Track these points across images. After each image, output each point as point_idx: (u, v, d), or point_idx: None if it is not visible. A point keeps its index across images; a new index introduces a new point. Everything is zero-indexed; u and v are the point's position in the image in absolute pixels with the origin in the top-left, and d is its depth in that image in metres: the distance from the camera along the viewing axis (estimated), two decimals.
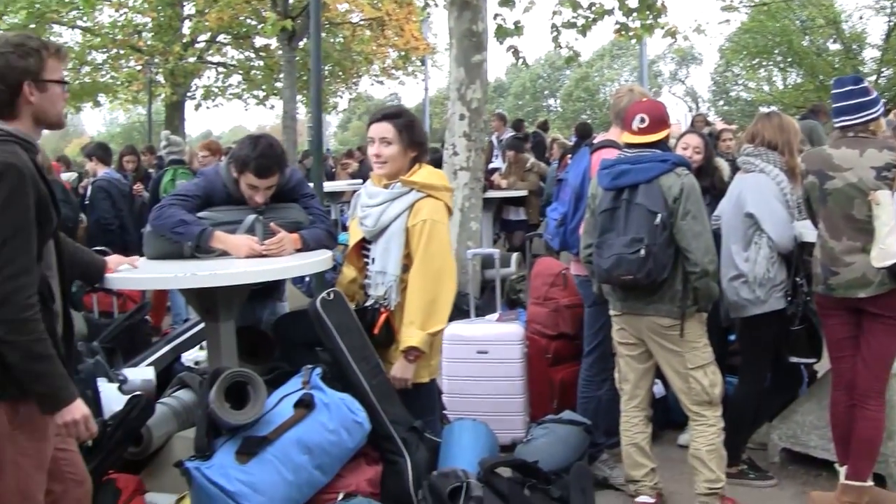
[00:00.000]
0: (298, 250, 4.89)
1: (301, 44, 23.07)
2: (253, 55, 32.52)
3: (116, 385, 5.30)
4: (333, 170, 18.42)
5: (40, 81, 3.36)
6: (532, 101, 72.03)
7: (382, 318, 4.67)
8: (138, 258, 4.88)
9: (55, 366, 3.27)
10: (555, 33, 12.30)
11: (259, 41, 31.36)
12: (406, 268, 4.67)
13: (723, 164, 6.85)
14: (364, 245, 4.89)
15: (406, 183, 4.71)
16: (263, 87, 32.54)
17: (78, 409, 3.32)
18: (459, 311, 6.69)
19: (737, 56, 44.97)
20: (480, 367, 6.29)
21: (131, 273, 4.58)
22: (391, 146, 4.70)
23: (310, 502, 4.34)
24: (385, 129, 4.71)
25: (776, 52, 41.57)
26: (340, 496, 4.35)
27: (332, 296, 4.63)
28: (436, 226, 4.66)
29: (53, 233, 3.50)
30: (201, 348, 6.25)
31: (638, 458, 5.32)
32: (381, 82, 35.92)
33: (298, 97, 25.61)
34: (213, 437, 4.25)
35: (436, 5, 15.91)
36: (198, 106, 33.58)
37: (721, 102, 54.70)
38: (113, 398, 5.08)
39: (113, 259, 4.58)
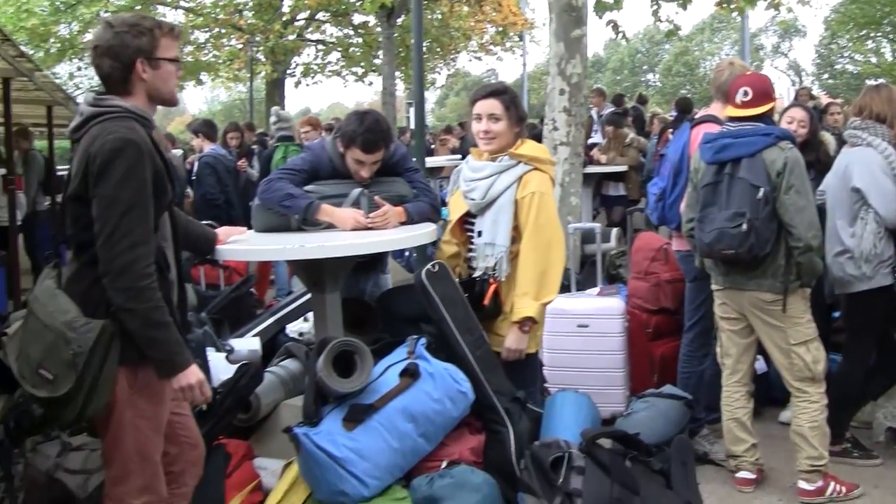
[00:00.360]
0: (403, 223, 4.95)
1: (399, 20, 23.16)
2: (352, 32, 32.70)
3: (224, 355, 5.44)
4: (432, 146, 18.53)
5: (153, 59, 3.47)
6: (630, 76, 71.26)
7: (492, 288, 4.72)
8: (243, 229, 5.01)
9: (171, 332, 3.39)
10: (655, 7, 12.18)
11: (357, 18, 31.54)
12: (514, 240, 4.70)
13: (828, 139, 6.76)
14: (467, 219, 4.94)
15: (514, 156, 4.75)
16: (362, 63, 32.76)
17: (193, 374, 3.44)
18: (560, 286, 6.72)
19: (843, 27, 43.98)
20: (581, 340, 6.32)
21: (241, 245, 4.70)
22: (499, 122, 4.74)
23: (413, 469, 4.42)
24: (493, 105, 4.76)
25: (885, 22, 40.49)
26: (444, 464, 4.41)
27: (437, 268, 4.69)
28: (544, 197, 4.70)
29: (168, 205, 3.63)
30: (305, 320, 6.37)
31: (739, 433, 5.31)
32: (479, 58, 35.94)
33: (397, 74, 25.72)
34: (321, 405, 4.34)
35: None
36: (297, 83, 34.01)
37: (825, 76, 53.51)
38: (221, 367, 5.22)
39: (223, 231, 4.71)
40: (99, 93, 3.54)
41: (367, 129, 4.93)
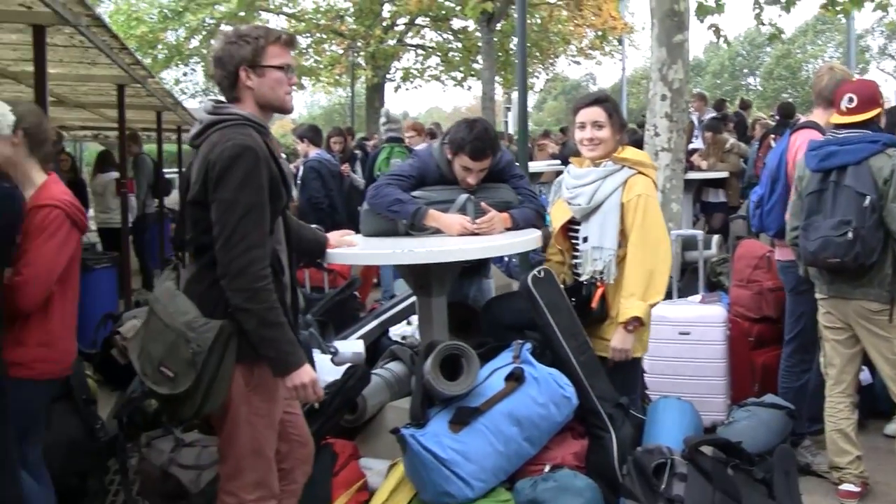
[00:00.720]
0: (508, 229, 5.02)
1: (499, 25, 23.26)
2: (451, 37, 32.91)
3: (329, 356, 5.55)
4: (530, 151, 18.54)
5: (258, 67, 3.59)
6: (731, 80, 70.33)
7: (599, 292, 4.77)
8: (352, 232, 5.12)
9: (286, 333, 3.51)
10: (757, 10, 12.05)
11: (457, 23, 31.74)
12: (620, 243, 4.74)
13: None
14: (570, 226, 4.98)
15: (617, 160, 4.79)
16: (461, 68, 32.94)
17: (306, 373, 3.55)
18: None
19: None
20: (682, 348, 6.32)
21: (351, 249, 4.81)
22: (603, 129, 4.79)
23: (517, 472, 4.48)
24: (597, 112, 4.81)
25: None
26: (547, 468, 4.47)
27: (542, 273, 4.75)
28: (650, 200, 4.74)
29: (283, 210, 3.75)
30: (408, 323, 6.47)
31: (843, 444, 5.25)
32: (578, 62, 35.90)
33: (496, 78, 25.82)
34: (428, 407, 4.43)
35: None
36: (397, 88, 34.32)
37: None
38: (326, 369, 5.33)
39: (333, 235, 4.82)
40: (218, 101, 3.68)
41: (476, 136, 5.02)
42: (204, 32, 30.77)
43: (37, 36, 5.83)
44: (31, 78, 8.57)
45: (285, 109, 3.77)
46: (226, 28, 28.82)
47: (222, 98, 3.71)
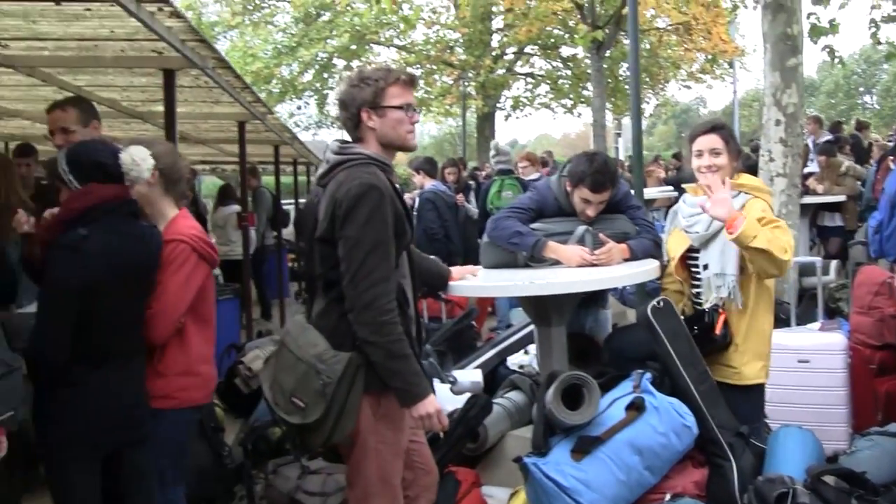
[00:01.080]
0: (626, 260, 5.09)
1: (608, 52, 23.27)
2: (560, 65, 32.95)
3: (448, 386, 5.64)
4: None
5: (379, 108, 3.72)
6: (846, 99, 68.79)
7: (722, 318, 4.76)
8: (477, 267, 5.22)
9: (412, 364, 3.63)
10: (873, 29, 11.86)
11: (566, 51, 31.79)
12: (742, 268, 4.72)
13: None
14: (689, 255, 5.00)
15: (735, 186, 4.79)
16: (571, 95, 32.93)
17: (432, 403, 3.65)
18: (779, 320, 6.65)
19: None
20: (801, 376, 6.24)
21: (473, 281, 4.91)
22: (720, 156, 4.80)
23: (638, 501, 4.50)
24: (714, 140, 4.82)
25: None
26: (668, 497, 4.48)
27: (661, 304, 4.78)
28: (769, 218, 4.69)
29: (407, 245, 3.86)
30: (526, 352, 6.53)
31: None
32: (688, 87, 35.59)
33: (606, 105, 25.80)
34: (549, 436, 4.49)
35: (744, 6, 15.62)
36: (507, 116, 34.42)
37: None
38: (445, 398, 5.42)
39: (456, 268, 4.93)
40: (343, 141, 3.83)
41: (596, 170, 5.10)
42: (317, 66, 31.37)
43: (167, 79, 6.06)
44: (158, 117, 8.98)
45: (407, 147, 3.91)
46: (339, 61, 29.37)
47: (346, 136, 3.85)
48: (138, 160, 3.85)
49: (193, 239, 4.08)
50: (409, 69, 28.64)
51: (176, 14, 5.02)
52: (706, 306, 4.83)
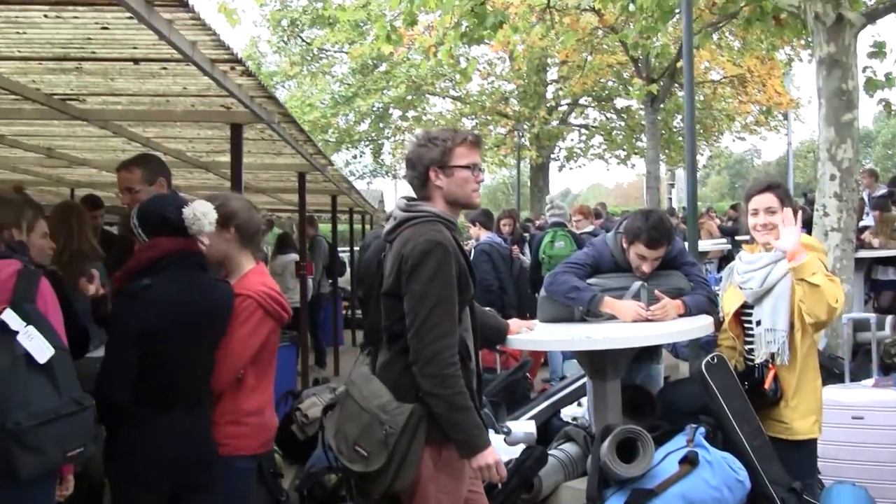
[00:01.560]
0: (681, 315, 5.17)
1: (662, 104, 23.36)
2: (614, 116, 33.06)
3: (502, 437, 5.72)
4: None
5: (446, 167, 3.85)
6: None
7: (772, 373, 4.82)
8: (534, 322, 5.33)
9: (473, 417, 3.73)
10: None
11: (620, 102, 31.89)
12: (792, 326, 4.78)
13: None
14: (743, 311, 5.06)
15: None
16: (624, 146, 32.98)
17: (491, 454, 3.73)
18: (833, 376, 6.66)
19: None
20: (855, 432, 6.21)
21: (532, 335, 5.02)
22: (775, 214, 4.86)
23: None
24: (770, 199, 4.89)
25: None
26: None
27: (715, 360, 4.85)
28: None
29: (470, 299, 3.98)
30: (579, 404, 6.60)
31: None
32: (743, 138, 35.49)
33: (660, 156, 25.85)
34: (603, 488, 4.57)
35: (799, 60, 15.64)
36: (561, 167, 34.49)
37: None
38: (499, 448, 5.49)
39: (514, 322, 5.05)
40: (409, 198, 3.96)
41: (652, 226, 5.21)
42: (373, 116, 31.72)
43: (234, 133, 6.26)
44: (220, 167, 9.21)
45: (472, 205, 4.04)
46: (395, 111, 29.69)
47: (412, 193, 3.98)
48: (199, 214, 3.97)
49: (261, 295, 4.18)
50: (464, 120, 29.03)
51: (247, 73, 5.22)
52: (757, 361, 4.90)
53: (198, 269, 4.03)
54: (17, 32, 4.60)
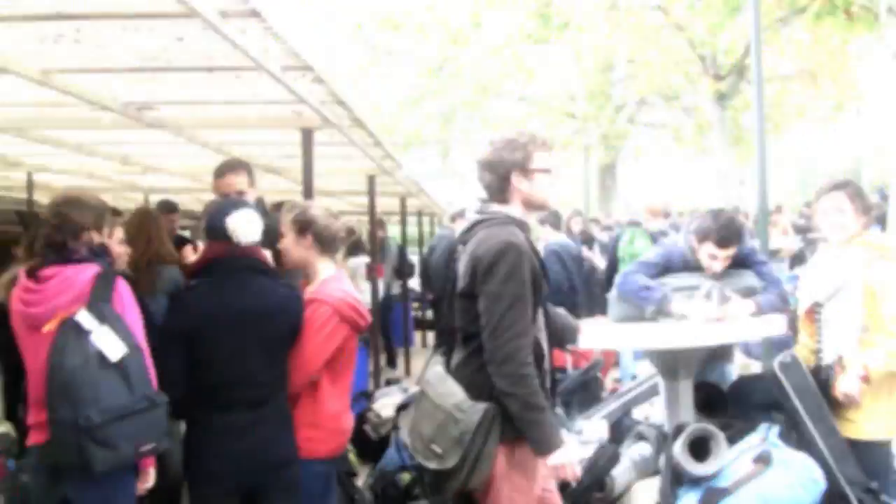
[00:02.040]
0: (752, 314, 5.16)
1: (730, 101, 23.11)
2: (682, 114, 32.74)
3: (574, 436, 5.74)
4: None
5: (527, 171, 3.89)
6: None
7: (840, 374, 4.78)
8: (605, 321, 5.36)
9: (547, 416, 3.76)
10: None
11: (687, 100, 31.57)
12: (863, 326, 4.75)
13: None
14: (815, 310, 5.03)
15: (861, 244, 4.85)
16: (693, 145, 32.64)
17: (565, 453, 3.77)
18: None
19: None
20: None
21: (604, 334, 5.05)
22: (845, 214, 4.85)
23: None
24: (839, 198, 4.88)
25: None
26: None
27: (789, 358, 4.84)
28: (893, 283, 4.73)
29: (543, 300, 4.01)
30: (651, 404, 6.60)
31: None
32: (814, 134, 34.93)
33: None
34: (676, 487, 4.58)
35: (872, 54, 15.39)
36: (629, 166, 34.19)
37: None
38: (572, 448, 5.52)
39: (585, 321, 5.07)
40: (483, 201, 4.00)
41: (722, 226, 5.22)
42: (440, 119, 31.69)
43: (305, 138, 6.35)
44: (291, 172, 9.31)
45: (546, 207, 4.10)
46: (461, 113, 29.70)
47: (485, 196, 4.03)
48: (242, 223, 4.10)
49: (337, 301, 4.27)
50: (531, 121, 28.95)
51: (318, 79, 5.30)
52: (825, 362, 4.88)
53: (250, 272, 4.15)
54: (97, 46, 4.71)
